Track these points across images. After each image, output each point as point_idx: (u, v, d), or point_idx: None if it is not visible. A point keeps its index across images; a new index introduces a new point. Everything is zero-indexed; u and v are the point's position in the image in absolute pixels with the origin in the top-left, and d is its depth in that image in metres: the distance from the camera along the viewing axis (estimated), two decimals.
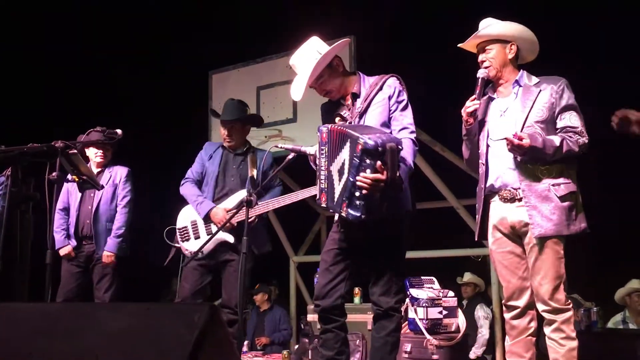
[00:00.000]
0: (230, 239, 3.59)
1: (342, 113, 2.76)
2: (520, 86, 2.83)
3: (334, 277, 2.66)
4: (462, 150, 2.97)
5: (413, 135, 2.69)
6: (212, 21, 6.36)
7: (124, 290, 4.22)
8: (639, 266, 4.88)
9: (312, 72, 2.71)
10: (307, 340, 4.35)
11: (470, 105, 2.79)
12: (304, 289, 6.32)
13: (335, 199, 2.55)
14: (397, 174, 2.47)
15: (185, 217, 3.79)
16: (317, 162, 2.63)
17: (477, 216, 2.94)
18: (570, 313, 2.66)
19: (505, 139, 2.64)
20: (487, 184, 2.81)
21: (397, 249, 2.70)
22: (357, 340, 4.28)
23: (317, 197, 2.65)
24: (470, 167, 3.00)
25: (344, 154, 2.49)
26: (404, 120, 2.70)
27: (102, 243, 4.14)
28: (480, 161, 2.86)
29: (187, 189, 3.78)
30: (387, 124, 2.66)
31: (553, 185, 2.67)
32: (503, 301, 2.89)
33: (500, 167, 2.78)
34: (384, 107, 2.69)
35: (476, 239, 2.94)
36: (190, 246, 3.71)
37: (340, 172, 2.52)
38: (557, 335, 2.64)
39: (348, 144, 2.48)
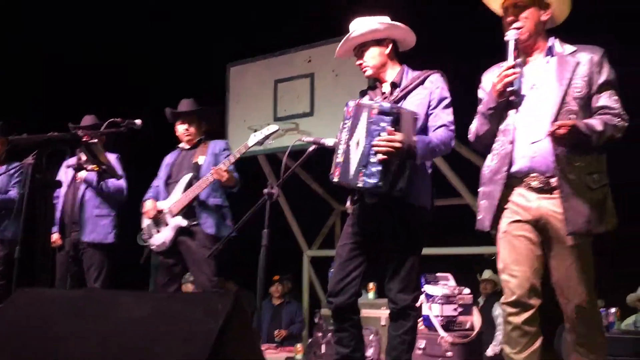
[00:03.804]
0: (183, 222, 3.73)
1: (374, 98, 2.74)
2: (553, 55, 2.43)
3: (348, 274, 2.64)
4: (477, 124, 2.54)
5: (452, 132, 2.64)
6: (231, 14, 6.36)
7: (117, 279, 4.19)
8: None
9: (360, 32, 2.71)
10: (320, 334, 4.36)
11: (510, 73, 2.35)
12: (317, 284, 6.32)
13: (352, 173, 2.51)
14: (414, 141, 2.46)
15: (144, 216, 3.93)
16: (339, 136, 2.62)
17: (484, 202, 2.48)
18: (598, 317, 2.43)
19: (548, 133, 2.27)
20: (512, 168, 2.39)
21: (414, 245, 2.67)
22: (370, 335, 4.27)
23: (331, 171, 2.63)
24: (480, 144, 2.57)
25: (362, 125, 2.50)
26: (445, 117, 2.63)
27: (87, 230, 4.06)
28: (504, 139, 2.42)
29: (145, 195, 3.99)
30: (421, 118, 2.62)
31: (588, 175, 2.31)
32: (511, 299, 2.37)
33: (529, 149, 2.37)
34: (422, 101, 2.64)
35: (488, 229, 2.47)
36: (155, 241, 3.83)
37: (358, 143, 2.51)
38: (585, 348, 2.36)
39: (365, 112, 2.49)
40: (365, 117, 2.48)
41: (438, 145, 2.59)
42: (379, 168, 2.42)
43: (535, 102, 2.40)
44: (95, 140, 2.97)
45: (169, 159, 4.01)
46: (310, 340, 4.70)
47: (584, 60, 2.36)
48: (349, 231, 2.71)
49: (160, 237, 3.81)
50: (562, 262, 2.35)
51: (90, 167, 3.40)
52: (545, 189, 2.35)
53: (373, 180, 2.43)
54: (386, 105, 2.43)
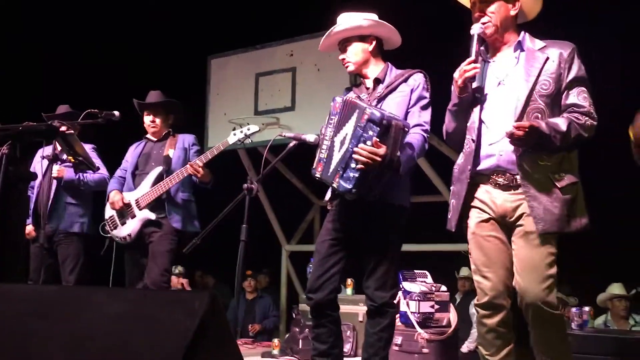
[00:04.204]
0: (151, 216, 3.73)
1: (359, 94, 2.73)
2: (522, 50, 2.37)
3: (327, 270, 2.63)
4: (446, 121, 2.52)
5: (426, 134, 2.65)
6: (214, 4, 6.30)
7: (93, 271, 4.14)
8: (622, 266, 4.91)
9: (344, 27, 2.70)
10: (297, 330, 4.35)
11: (470, 69, 2.31)
12: (295, 278, 6.32)
13: (330, 170, 2.51)
14: (397, 156, 2.44)
15: (110, 207, 3.90)
16: (324, 131, 2.60)
17: (453, 201, 2.45)
18: (561, 319, 2.33)
19: (506, 134, 2.23)
20: (477, 166, 2.36)
21: (392, 243, 2.68)
22: (347, 332, 4.28)
23: (314, 166, 2.61)
24: (451, 141, 2.55)
25: (350, 125, 2.47)
26: (421, 118, 2.64)
27: (61, 221, 4.02)
28: (469, 137, 2.40)
29: (109, 184, 3.98)
30: (402, 114, 2.62)
31: (554, 174, 2.26)
32: (483, 300, 2.36)
33: (494, 147, 2.33)
34: (404, 99, 2.65)
35: (453, 229, 2.45)
36: (119, 233, 3.81)
37: (342, 142, 2.49)
38: (545, 347, 2.30)
39: (355, 114, 2.45)
40: (355, 119, 2.45)
41: (418, 155, 2.62)
42: (356, 175, 2.41)
43: (502, 99, 2.35)
44: (72, 131, 2.91)
45: (135, 148, 3.98)
46: (287, 335, 4.69)
47: (554, 56, 2.30)
48: (329, 227, 2.70)
49: (126, 229, 3.78)
50: (524, 250, 2.28)
51: (66, 157, 3.33)
52: (511, 186, 2.30)
53: (348, 186, 2.44)
54: (378, 114, 2.37)
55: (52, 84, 6.09)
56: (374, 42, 2.74)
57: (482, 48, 2.42)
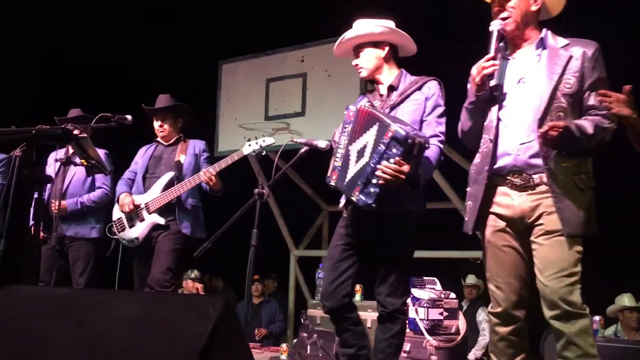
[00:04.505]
0: (160, 220, 3.74)
1: (373, 101, 2.73)
2: (544, 48, 2.28)
3: (340, 274, 2.63)
4: (461, 119, 2.45)
5: (442, 145, 2.65)
6: (225, 10, 6.33)
7: (100, 273, 4.17)
8: (632, 274, 4.87)
9: (357, 33, 2.73)
10: (305, 335, 4.35)
11: (488, 65, 2.24)
12: (303, 283, 6.32)
13: (347, 180, 2.52)
14: (418, 172, 2.44)
15: (119, 209, 3.92)
16: (337, 139, 2.61)
17: (469, 203, 2.38)
18: (585, 321, 2.16)
19: (539, 135, 2.15)
20: (494, 165, 2.29)
21: (405, 249, 2.68)
22: None
23: (328, 174, 2.62)
24: (466, 140, 2.47)
25: (369, 137, 2.47)
26: (438, 128, 2.64)
27: (71, 223, 4.04)
28: (486, 136, 2.33)
29: (118, 185, 3.99)
30: (417, 123, 2.62)
31: (577, 176, 2.19)
32: (497, 310, 2.31)
33: (512, 146, 2.26)
34: (418, 107, 2.65)
35: (470, 232, 2.39)
36: (127, 235, 3.83)
37: (360, 153, 2.49)
38: (572, 354, 2.13)
39: (376, 127, 2.44)
40: (376, 132, 2.43)
41: (434, 167, 2.63)
42: (377, 190, 2.42)
43: (522, 97, 2.28)
44: (86, 135, 2.94)
45: (145, 151, 4.00)
46: (295, 340, 4.69)
47: (577, 54, 2.22)
48: (342, 232, 2.71)
49: (134, 232, 3.80)
50: (545, 248, 2.19)
51: (78, 161, 3.34)
52: (528, 186, 2.24)
53: (368, 201, 2.44)
54: (402, 132, 2.34)
55: (51, 84, 6.10)
56: (387, 49, 2.75)
57: (501, 45, 2.35)
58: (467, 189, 2.43)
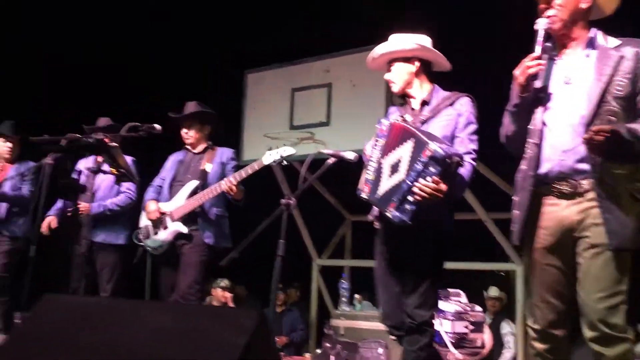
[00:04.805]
0: (183, 229, 3.74)
1: (404, 115, 2.74)
2: (594, 48, 2.16)
3: (393, 294, 2.69)
4: (504, 122, 2.31)
5: (475, 163, 2.66)
6: (251, 20, 6.38)
7: (131, 281, 4.18)
8: None
9: (389, 49, 2.76)
10: (329, 345, 4.34)
11: (533, 64, 2.11)
12: (326, 293, 6.30)
13: (380, 194, 2.54)
14: (454, 192, 2.47)
15: (145, 216, 3.94)
16: (369, 152, 2.62)
17: (516, 212, 2.24)
18: (626, 346, 2.04)
19: (583, 139, 2.02)
20: (539, 171, 2.16)
21: (435, 262, 2.68)
22: (379, 349, 4.26)
23: (359, 186, 2.64)
24: (511, 145, 2.32)
25: (404, 152, 2.48)
26: (470, 145, 2.65)
27: (100, 229, 4.05)
28: (531, 140, 2.19)
29: (146, 192, 4.01)
30: (447, 138, 2.63)
31: (631, 184, 2.05)
32: (535, 326, 2.25)
33: (557, 151, 2.13)
34: (450, 122, 2.66)
35: (517, 243, 2.27)
36: (151, 243, 3.85)
37: (394, 168, 2.50)
38: None
39: (412, 144, 2.45)
40: (412, 150, 2.44)
41: (468, 184, 2.64)
42: (413, 208, 2.42)
43: (569, 100, 2.15)
44: (117, 145, 2.99)
45: (176, 157, 4.02)
46: (318, 350, 4.68)
47: (629, 55, 2.08)
48: (379, 250, 2.76)
49: (158, 240, 3.82)
50: (588, 263, 2.08)
51: (108, 169, 3.40)
52: (576, 193, 2.11)
53: (404, 217, 2.44)
54: (441, 152, 2.34)
55: (52, 84, 6.14)
56: (418, 64, 2.76)
57: (548, 44, 2.21)
58: (513, 197, 2.30)
